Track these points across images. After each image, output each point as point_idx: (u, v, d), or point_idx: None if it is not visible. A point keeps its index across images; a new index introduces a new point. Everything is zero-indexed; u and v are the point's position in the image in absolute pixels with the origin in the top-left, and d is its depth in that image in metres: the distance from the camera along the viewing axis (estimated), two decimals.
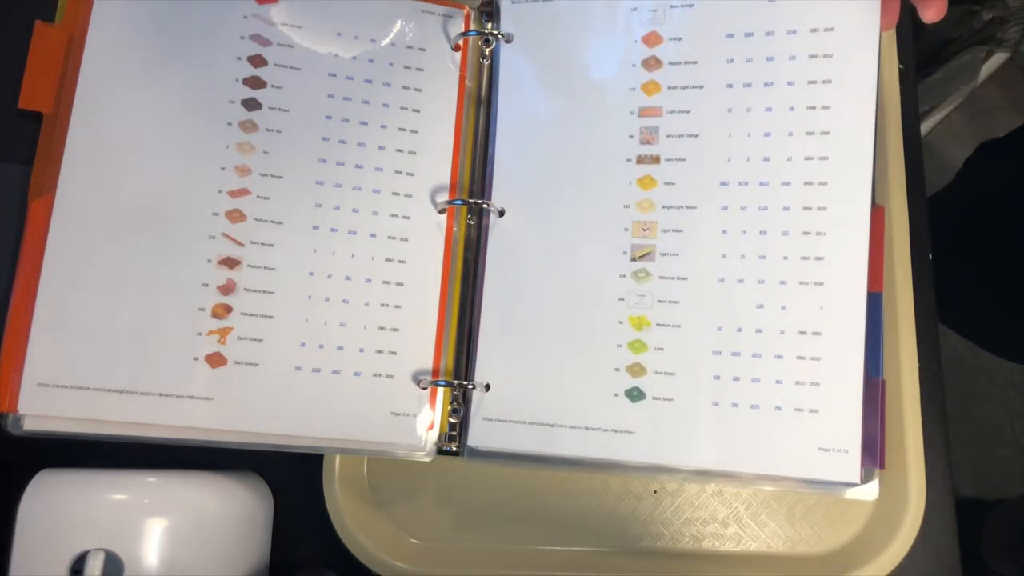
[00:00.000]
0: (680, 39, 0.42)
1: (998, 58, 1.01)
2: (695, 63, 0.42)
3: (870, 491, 0.38)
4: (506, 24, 0.44)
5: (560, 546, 0.44)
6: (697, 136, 0.41)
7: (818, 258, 0.39)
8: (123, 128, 0.41)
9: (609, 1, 0.44)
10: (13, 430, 0.38)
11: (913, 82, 0.48)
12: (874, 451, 0.40)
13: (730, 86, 0.41)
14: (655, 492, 0.45)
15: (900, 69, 0.46)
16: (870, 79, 0.40)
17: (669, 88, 0.42)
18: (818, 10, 0.41)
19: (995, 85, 1.07)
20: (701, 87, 0.42)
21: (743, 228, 0.40)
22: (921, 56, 1.00)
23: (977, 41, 0.98)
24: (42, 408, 0.38)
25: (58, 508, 0.38)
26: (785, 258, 0.40)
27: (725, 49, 0.42)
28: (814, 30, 0.41)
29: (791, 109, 0.40)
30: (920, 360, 0.43)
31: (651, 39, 0.43)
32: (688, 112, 0.42)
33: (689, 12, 0.42)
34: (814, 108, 0.40)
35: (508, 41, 0.45)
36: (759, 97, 0.41)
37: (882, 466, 0.41)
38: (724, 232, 0.41)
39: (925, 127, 1.08)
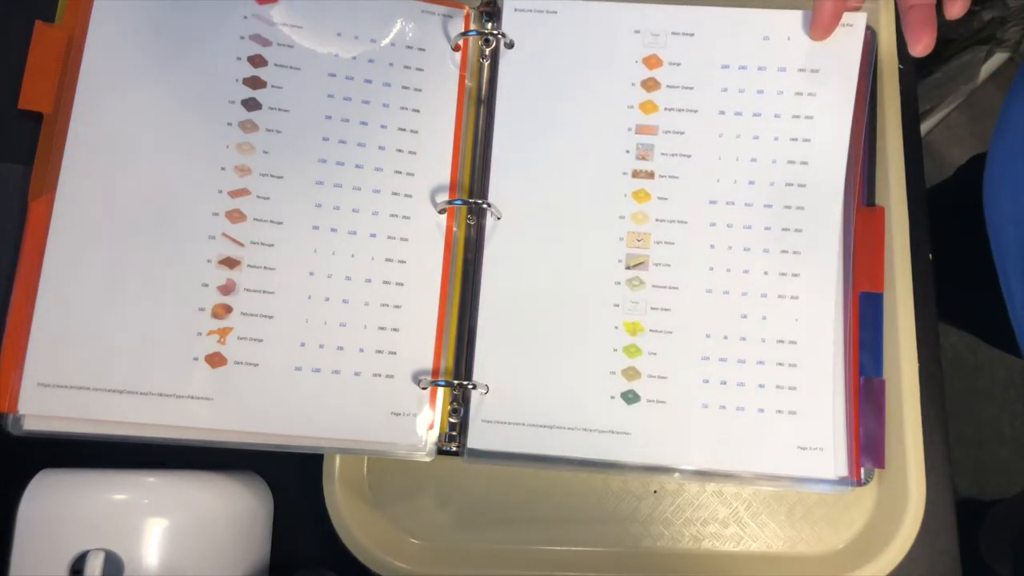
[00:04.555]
0: (679, 64, 0.44)
1: (998, 58, 1.01)
2: (691, 88, 0.44)
3: (824, 467, 0.41)
4: (509, 31, 0.45)
5: (560, 546, 0.44)
6: (689, 156, 0.44)
7: (794, 274, 0.42)
8: (123, 128, 0.41)
9: (613, 20, 0.45)
10: (13, 430, 0.38)
11: (913, 82, 0.48)
12: (874, 451, 0.41)
13: (722, 113, 0.44)
14: (655, 492, 0.45)
15: (900, 69, 0.46)
16: (846, 119, 0.43)
17: (666, 109, 0.44)
18: (808, 53, 0.44)
19: (995, 85, 1.07)
20: (695, 111, 0.44)
21: (729, 244, 0.43)
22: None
23: (977, 41, 0.98)
24: (42, 408, 0.38)
25: (58, 508, 0.38)
26: (765, 273, 0.43)
27: (720, 78, 0.44)
28: (802, 70, 0.44)
29: (776, 139, 0.43)
30: (920, 360, 0.43)
31: (651, 61, 0.44)
32: (682, 133, 0.44)
33: (689, 40, 0.44)
34: (796, 140, 0.43)
35: (510, 47, 0.45)
36: (748, 126, 0.44)
37: (882, 466, 0.41)
38: (712, 247, 0.43)
39: (925, 127, 1.08)
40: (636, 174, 0.44)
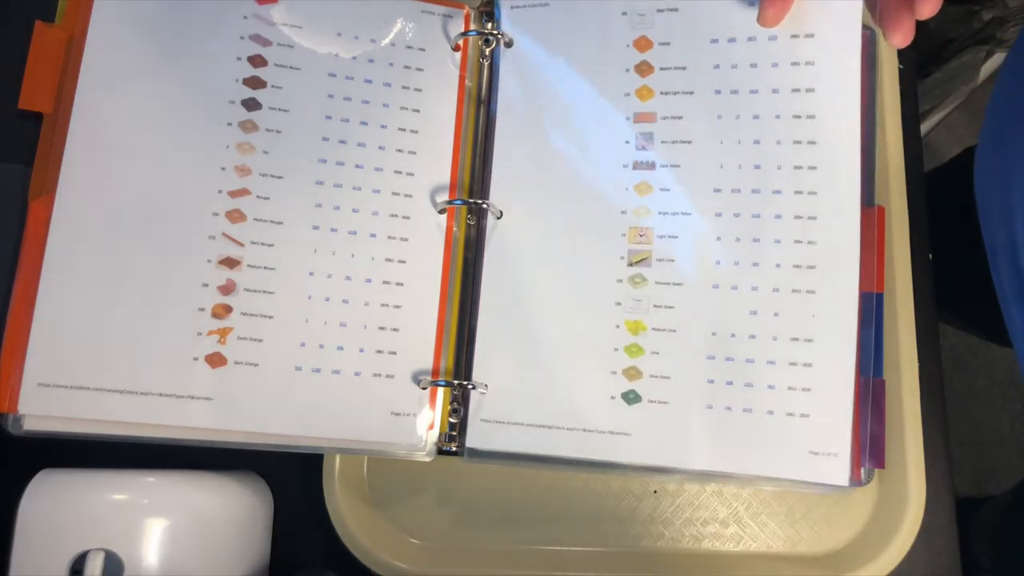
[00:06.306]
0: (668, 44, 0.43)
1: (998, 58, 1.01)
2: (684, 68, 0.42)
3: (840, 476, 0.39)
4: (507, 29, 0.45)
5: (560, 546, 0.44)
6: (690, 143, 0.42)
7: (810, 267, 0.40)
8: (123, 128, 0.41)
9: (601, 4, 0.44)
10: (13, 430, 0.38)
11: (913, 82, 0.48)
12: (874, 451, 0.41)
13: (718, 92, 0.42)
14: (655, 492, 0.45)
15: (900, 69, 0.46)
16: (853, 88, 0.40)
17: (662, 94, 0.42)
18: (798, 16, 0.41)
19: (993, 86, 1.07)
20: (691, 93, 0.42)
21: (736, 235, 0.41)
22: (921, 56, 0.99)
23: (977, 41, 0.98)
24: (42, 408, 0.38)
25: (58, 508, 0.38)
26: (778, 266, 0.40)
27: (711, 54, 0.42)
28: (795, 36, 0.41)
29: (777, 117, 0.41)
30: (920, 360, 0.43)
31: (642, 44, 0.43)
32: (680, 118, 0.42)
33: (675, 16, 0.43)
34: (799, 117, 0.41)
35: (508, 45, 0.45)
36: (746, 104, 0.41)
37: (882, 466, 0.41)
38: (718, 239, 0.41)
39: (925, 127, 1.08)
40: (637, 166, 0.42)
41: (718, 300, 0.41)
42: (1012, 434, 1.13)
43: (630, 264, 0.42)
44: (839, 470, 0.38)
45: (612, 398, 0.41)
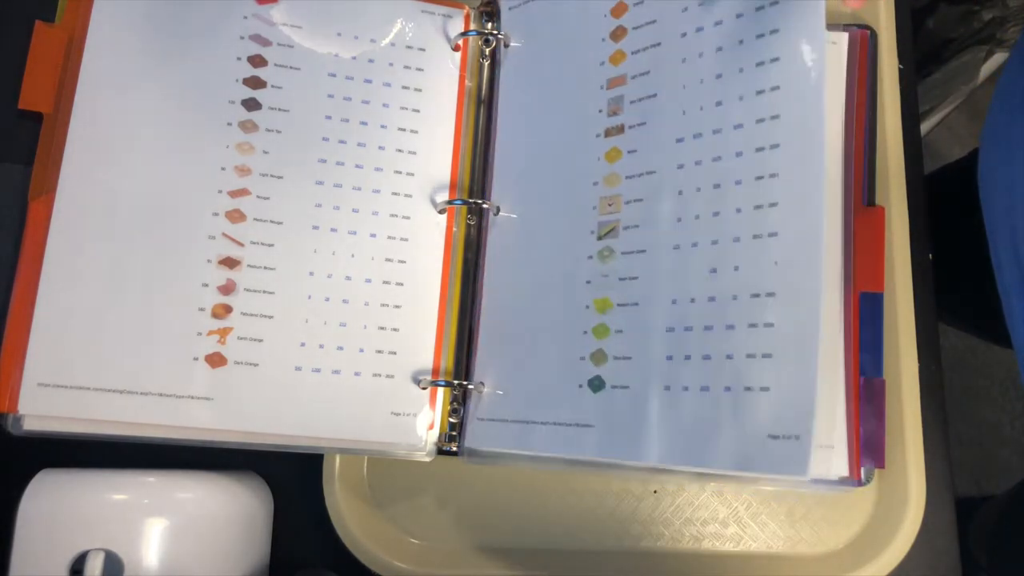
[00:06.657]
0: (642, 2, 0.41)
1: (998, 58, 1.01)
2: (655, 22, 0.40)
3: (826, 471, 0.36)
4: (506, 29, 0.45)
5: (560, 546, 0.44)
6: (655, 96, 0.39)
7: (772, 204, 0.34)
8: (123, 128, 0.41)
9: None
10: (13, 430, 0.38)
11: (913, 82, 0.48)
12: (874, 451, 0.41)
13: (684, 35, 0.38)
14: (655, 492, 0.45)
15: (900, 69, 0.46)
16: (818, 12, 0.35)
17: (632, 53, 0.40)
18: None
19: (995, 85, 1.07)
20: (659, 44, 0.39)
21: (698, 185, 0.37)
22: (921, 56, 0.99)
23: (977, 41, 0.98)
24: (42, 408, 0.38)
25: (58, 508, 0.38)
26: (739, 211, 0.35)
27: None
28: None
29: (741, 43, 0.37)
30: (920, 360, 0.43)
31: (618, 9, 0.42)
32: (648, 73, 0.39)
33: None
34: (763, 36, 0.36)
35: (507, 45, 0.45)
36: (710, 39, 0.38)
37: (882, 466, 0.41)
38: (680, 193, 0.37)
39: (925, 127, 1.08)
40: (608, 132, 0.40)
41: (678, 262, 0.36)
42: (1012, 434, 1.13)
43: (599, 238, 0.39)
44: (798, 457, 0.31)
45: (580, 387, 0.38)
